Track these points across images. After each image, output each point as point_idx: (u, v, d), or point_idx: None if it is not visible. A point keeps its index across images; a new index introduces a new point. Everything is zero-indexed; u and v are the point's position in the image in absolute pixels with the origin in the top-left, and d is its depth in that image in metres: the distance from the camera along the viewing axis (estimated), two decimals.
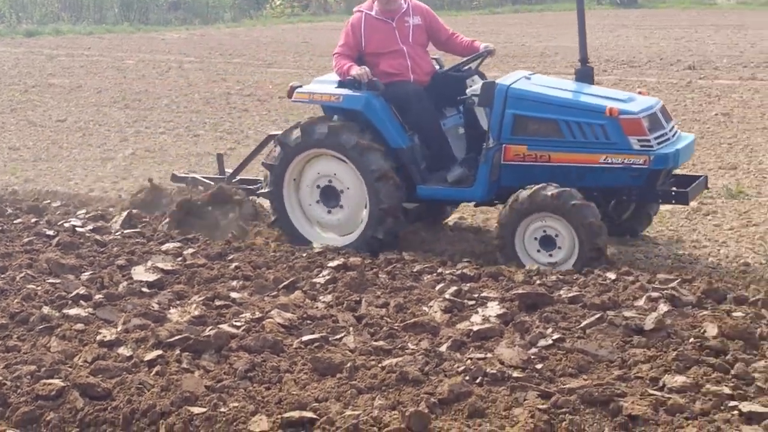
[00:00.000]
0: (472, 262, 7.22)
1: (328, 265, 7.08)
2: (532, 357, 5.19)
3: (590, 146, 7.19)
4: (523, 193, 7.07)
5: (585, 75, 7.62)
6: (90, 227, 8.31)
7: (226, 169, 9.20)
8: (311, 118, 8.02)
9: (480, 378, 4.95)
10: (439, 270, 6.96)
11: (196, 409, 4.72)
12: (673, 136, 7.42)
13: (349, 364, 5.13)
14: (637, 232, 8.04)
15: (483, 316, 5.91)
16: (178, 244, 7.72)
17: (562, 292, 6.26)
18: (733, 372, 4.87)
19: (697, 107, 14.74)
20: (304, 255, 7.44)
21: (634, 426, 4.40)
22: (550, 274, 6.67)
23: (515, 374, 4.95)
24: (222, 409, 4.73)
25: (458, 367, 5.11)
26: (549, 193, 6.98)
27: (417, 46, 8.02)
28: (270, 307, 6.16)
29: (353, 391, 4.88)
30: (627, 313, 5.72)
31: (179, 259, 7.34)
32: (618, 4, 37.24)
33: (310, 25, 32.04)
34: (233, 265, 7.17)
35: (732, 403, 4.51)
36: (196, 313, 6.03)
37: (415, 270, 6.98)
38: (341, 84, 7.81)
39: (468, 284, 6.58)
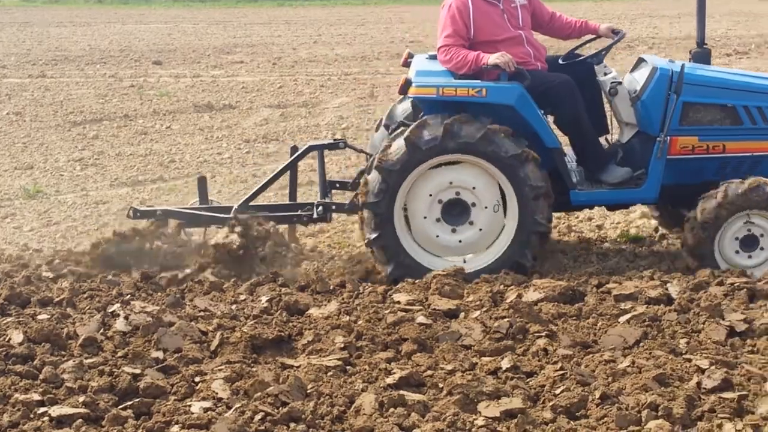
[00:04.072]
0: None
1: None
2: None
3: None
4: (735, 188, 6.30)
5: (703, 56, 6.97)
6: None
7: (210, 198, 7.39)
8: (458, 117, 6.33)
9: None
10: None
11: None
12: None
13: None
14: None
15: None
16: None
17: None
18: (41, 377, 4.69)
19: None
20: None
21: None
22: None
23: None
24: None
25: None
26: None
27: (528, 30, 6.87)
28: None
29: None
30: None
31: None
32: None
33: None
34: None
35: (42, 410, 4.33)
36: None
37: None
38: (462, 77, 6.49)
39: None
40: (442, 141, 6.29)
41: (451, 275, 6.11)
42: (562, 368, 4.64)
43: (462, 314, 5.55)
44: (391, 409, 4.20)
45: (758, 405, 4.19)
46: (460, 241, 6.54)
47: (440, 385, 4.54)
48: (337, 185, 7.49)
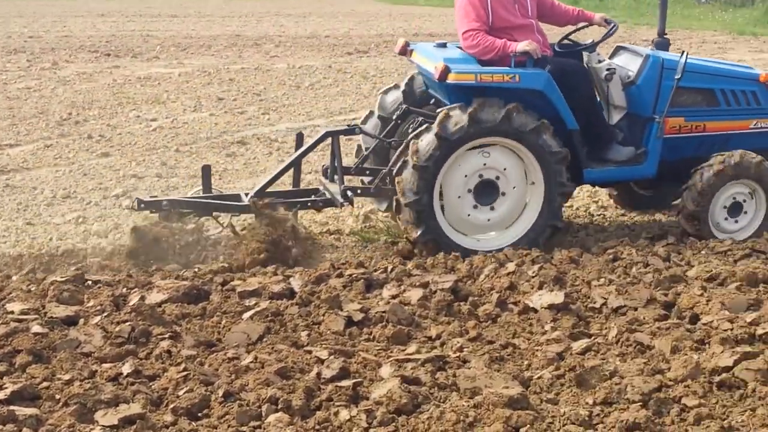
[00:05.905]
0: None
1: None
2: None
3: (742, 113, 7.36)
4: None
5: (663, 45, 7.56)
6: None
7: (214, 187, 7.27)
8: (478, 102, 6.63)
9: None
10: None
11: None
12: None
13: None
14: (666, 206, 7.90)
15: None
16: None
17: None
18: None
19: None
20: None
21: None
22: None
23: None
24: None
25: None
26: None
27: (536, 18, 7.18)
28: None
29: None
30: None
31: None
32: None
33: None
34: None
35: None
36: None
37: None
38: (486, 63, 6.85)
39: None
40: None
41: (70, 281, 5.87)
42: (185, 369, 4.59)
43: (82, 320, 5.34)
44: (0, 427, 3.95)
45: (372, 390, 4.36)
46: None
47: (57, 397, 4.32)
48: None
